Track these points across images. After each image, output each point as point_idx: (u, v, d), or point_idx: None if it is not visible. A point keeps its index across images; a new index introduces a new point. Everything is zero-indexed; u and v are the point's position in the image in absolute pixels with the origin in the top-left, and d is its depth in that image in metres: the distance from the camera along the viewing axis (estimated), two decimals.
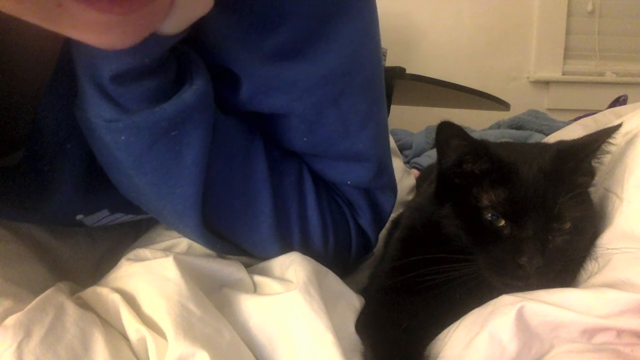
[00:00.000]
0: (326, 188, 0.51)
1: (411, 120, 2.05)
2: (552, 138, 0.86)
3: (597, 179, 0.49)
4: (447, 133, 0.44)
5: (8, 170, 0.40)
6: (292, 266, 0.44)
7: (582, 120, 0.97)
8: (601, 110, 1.06)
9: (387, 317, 0.45)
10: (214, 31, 0.39)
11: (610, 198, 0.44)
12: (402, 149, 1.54)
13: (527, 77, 2.51)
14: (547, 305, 0.36)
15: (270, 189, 0.45)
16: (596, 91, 2.38)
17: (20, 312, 0.35)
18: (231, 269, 0.46)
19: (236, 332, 0.39)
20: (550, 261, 0.40)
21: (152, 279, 0.41)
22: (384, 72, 0.51)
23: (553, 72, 2.49)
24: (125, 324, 0.37)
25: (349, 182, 0.50)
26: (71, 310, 0.37)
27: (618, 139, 0.51)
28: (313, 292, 0.40)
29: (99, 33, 0.27)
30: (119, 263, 0.46)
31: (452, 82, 1.73)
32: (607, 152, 0.45)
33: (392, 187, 0.55)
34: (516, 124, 1.47)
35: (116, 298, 0.39)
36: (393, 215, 0.59)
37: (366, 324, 0.44)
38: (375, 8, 0.47)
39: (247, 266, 0.48)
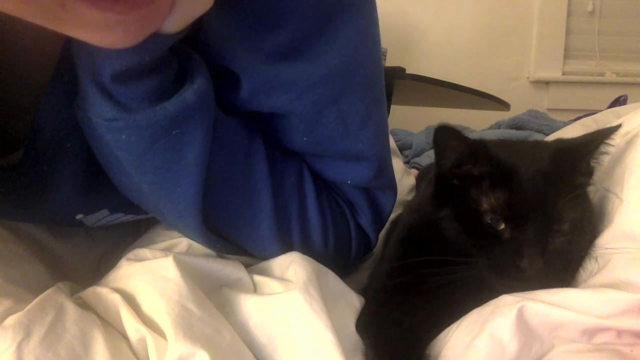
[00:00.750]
0: (326, 188, 0.52)
1: (411, 120, 2.05)
2: (552, 138, 0.86)
3: (596, 179, 0.49)
4: (445, 136, 0.43)
5: (8, 170, 0.40)
6: (292, 266, 0.44)
7: (582, 120, 0.97)
8: (601, 110, 1.06)
9: (388, 317, 0.45)
10: (214, 31, 0.39)
11: (610, 198, 0.44)
12: (402, 149, 1.54)
13: (527, 77, 2.51)
14: (547, 305, 0.36)
15: (270, 189, 0.45)
16: (596, 91, 2.38)
17: (20, 312, 0.35)
18: (231, 268, 0.46)
19: (236, 332, 0.39)
20: (550, 262, 0.40)
21: (152, 278, 0.41)
22: (384, 72, 0.51)
23: (553, 72, 2.49)
24: (125, 324, 0.37)
25: (349, 182, 0.50)
26: (71, 310, 0.37)
27: (617, 139, 0.51)
28: (313, 292, 0.40)
29: (101, 32, 0.27)
30: (119, 263, 0.46)
31: (452, 82, 1.73)
32: (606, 153, 0.44)
33: (392, 187, 0.55)
34: (516, 124, 1.47)
35: (116, 298, 0.39)
36: (393, 215, 0.59)
37: (366, 324, 0.44)
38: (375, 8, 0.47)
39: (247, 266, 0.48)
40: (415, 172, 1.13)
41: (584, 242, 0.43)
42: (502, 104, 1.93)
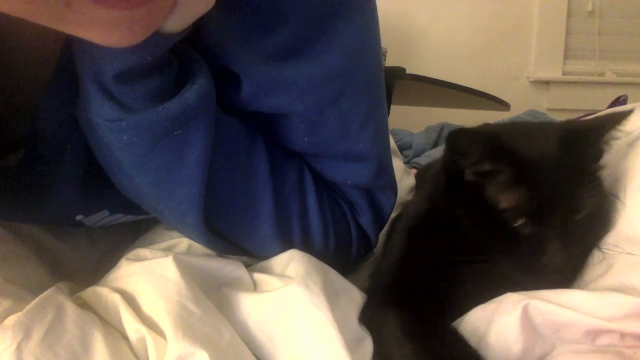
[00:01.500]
0: (327, 188, 0.52)
1: (411, 120, 2.05)
2: None
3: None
4: (462, 142, 0.42)
5: (8, 171, 0.40)
6: (292, 262, 0.44)
7: None
8: (601, 111, 1.06)
9: (395, 309, 0.44)
10: (215, 31, 0.39)
11: (612, 201, 0.44)
12: (402, 149, 1.54)
13: (527, 77, 2.52)
14: (551, 305, 0.36)
15: (271, 189, 0.45)
16: (596, 91, 2.39)
17: (19, 312, 0.35)
18: (231, 267, 0.46)
19: (236, 331, 0.39)
20: (571, 255, 0.39)
21: (151, 278, 0.41)
22: (384, 72, 0.51)
23: (553, 72, 2.49)
24: (124, 324, 0.37)
25: (349, 182, 0.50)
26: (71, 310, 0.37)
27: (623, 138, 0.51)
28: (312, 286, 0.40)
29: (105, 31, 0.27)
30: (119, 263, 0.46)
31: (452, 82, 1.73)
32: (617, 138, 0.43)
33: (393, 187, 0.55)
34: None
35: (116, 298, 0.39)
36: (393, 215, 0.59)
37: (372, 318, 0.43)
38: (375, 8, 0.47)
39: (247, 266, 0.48)
40: (415, 172, 1.13)
41: (600, 230, 0.42)
42: (502, 104, 1.93)
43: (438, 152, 1.39)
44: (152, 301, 0.38)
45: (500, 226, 0.41)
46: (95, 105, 0.34)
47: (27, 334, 0.33)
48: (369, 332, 0.43)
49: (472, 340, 0.38)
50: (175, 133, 0.36)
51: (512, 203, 0.40)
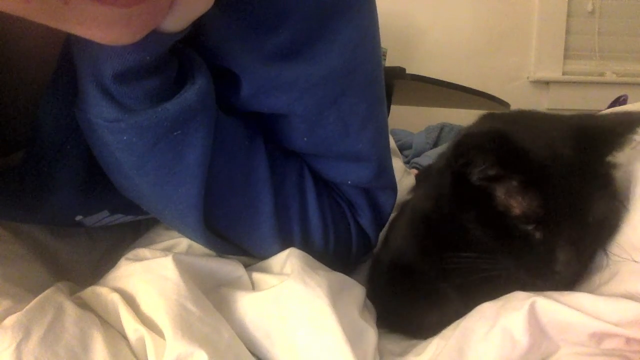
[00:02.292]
0: (326, 188, 0.52)
1: (411, 120, 2.05)
2: None
3: None
4: (469, 149, 0.40)
5: (8, 171, 0.40)
6: (289, 260, 0.44)
7: None
8: (601, 111, 1.06)
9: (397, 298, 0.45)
10: (215, 31, 0.39)
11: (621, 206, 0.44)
12: (402, 149, 1.54)
13: (527, 77, 2.51)
14: (558, 304, 0.36)
15: (271, 189, 0.45)
16: (596, 91, 2.38)
17: (19, 312, 0.35)
18: (230, 267, 0.46)
19: (234, 330, 0.39)
20: (582, 260, 0.39)
21: (151, 278, 0.41)
22: (384, 72, 0.51)
23: (553, 72, 2.48)
24: (124, 324, 0.37)
25: (349, 182, 0.50)
26: (70, 310, 0.37)
27: None
28: (309, 281, 0.40)
29: (104, 28, 0.27)
30: (119, 263, 0.46)
31: (452, 82, 1.73)
32: (635, 140, 0.41)
33: (393, 187, 0.55)
34: None
35: (115, 298, 0.39)
36: (392, 215, 0.59)
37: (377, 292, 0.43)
38: (375, 8, 0.47)
39: (246, 265, 0.48)
40: (415, 172, 1.13)
41: (608, 235, 0.41)
42: (502, 104, 1.93)
43: (438, 152, 1.39)
44: (151, 301, 0.38)
45: (510, 231, 0.39)
46: (94, 106, 0.34)
47: (26, 334, 0.33)
48: (372, 324, 0.43)
49: (479, 334, 0.38)
50: (175, 133, 0.36)
51: (523, 209, 0.39)
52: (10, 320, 0.34)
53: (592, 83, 2.43)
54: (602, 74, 2.46)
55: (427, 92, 1.89)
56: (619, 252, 0.41)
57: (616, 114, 0.43)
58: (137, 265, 0.44)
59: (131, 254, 0.47)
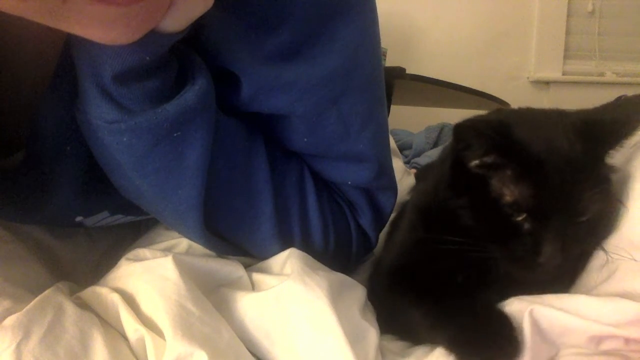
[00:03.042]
0: (327, 188, 0.51)
1: (411, 120, 2.05)
2: None
3: None
4: (469, 134, 0.41)
5: (8, 172, 0.40)
6: (289, 260, 0.44)
7: None
8: None
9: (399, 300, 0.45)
10: (215, 32, 0.39)
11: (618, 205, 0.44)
12: (402, 149, 1.54)
13: (527, 77, 2.51)
14: (555, 311, 0.36)
15: (271, 189, 0.45)
16: (596, 91, 2.38)
17: (19, 312, 0.35)
18: (230, 268, 0.46)
19: (234, 331, 0.39)
20: (568, 256, 0.39)
21: (151, 278, 0.41)
22: (384, 72, 0.51)
23: (553, 72, 2.49)
24: (124, 324, 0.37)
25: (349, 182, 0.50)
26: (70, 310, 0.37)
27: None
28: (309, 281, 0.40)
29: (103, 27, 0.27)
30: (119, 263, 0.46)
31: (452, 82, 1.73)
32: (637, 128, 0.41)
33: (393, 187, 0.55)
34: None
35: (115, 298, 0.39)
36: (393, 216, 0.59)
37: (378, 293, 0.44)
38: (375, 8, 0.47)
39: (246, 266, 0.48)
40: (415, 172, 1.13)
41: (603, 232, 0.42)
42: (502, 104, 1.93)
43: (438, 152, 1.39)
44: (151, 301, 0.38)
45: (501, 219, 0.40)
46: (94, 107, 0.34)
47: (26, 334, 0.33)
48: (373, 324, 0.43)
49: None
50: (175, 134, 0.36)
51: (515, 197, 0.39)
52: (10, 320, 0.34)
53: (592, 83, 2.43)
54: (602, 74, 2.46)
55: (427, 92, 1.89)
56: (617, 251, 0.41)
57: (616, 108, 0.42)
58: (137, 266, 0.44)
59: (131, 254, 0.47)
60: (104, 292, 0.40)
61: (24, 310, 0.36)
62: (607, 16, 2.45)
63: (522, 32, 2.48)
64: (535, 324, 0.36)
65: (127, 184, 0.40)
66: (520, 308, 0.37)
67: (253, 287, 0.45)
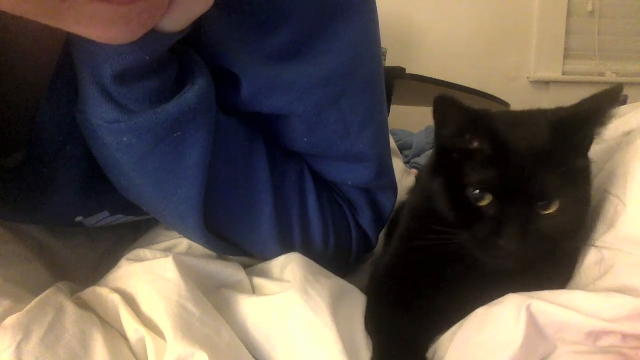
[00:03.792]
0: (327, 188, 0.51)
1: (411, 120, 2.05)
2: None
3: (598, 180, 0.49)
4: (445, 105, 0.43)
5: (8, 172, 0.40)
6: (290, 265, 0.44)
7: None
8: None
9: (389, 312, 0.45)
10: (215, 32, 0.39)
11: (612, 201, 0.44)
12: (402, 149, 1.54)
13: (527, 77, 2.52)
14: (553, 306, 0.36)
15: (271, 189, 0.45)
16: (596, 91, 2.37)
17: (19, 312, 0.35)
18: (230, 270, 0.46)
19: (235, 332, 0.39)
20: (531, 244, 0.40)
21: (151, 279, 0.41)
22: (384, 72, 0.51)
23: (553, 72, 2.49)
24: (124, 325, 0.37)
25: (349, 182, 0.50)
26: (71, 310, 0.37)
27: (618, 138, 0.50)
28: (310, 291, 0.40)
29: (102, 26, 0.27)
30: (119, 263, 0.46)
31: (452, 82, 1.73)
32: (613, 116, 0.42)
33: (393, 187, 0.55)
34: None
35: (116, 298, 0.39)
36: (392, 216, 0.59)
37: (371, 320, 0.44)
38: (376, 8, 0.47)
39: (247, 267, 0.48)
40: (415, 172, 1.13)
41: (571, 226, 0.42)
42: (502, 104, 1.93)
43: None
44: (152, 302, 0.38)
45: (469, 202, 0.42)
46: (94, 107, 0.34)
47: (26, 334, 0.33)
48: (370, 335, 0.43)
49: (476, 342, 0.38)
50: (175, 135, 0.36)
51: (480, 178, 0.41)
52: (10, 320, 0.34)
53: (592, 83, 2.43)
54: (602, 74, 2.46)
55: (427, 92, 1.89)
56: (615, 246, 0.41)
57: (591, 100, 0.43)
58: (138, 266, 0.44)
59: (132, 254, 0.47)
60: (104, 293, 0.40)
61: (25, 310, 0.36)
62: (607, 16, 2.45)
63: (522, 32, 2.48)
64: (532, 319, 0.36)
65: (127, 183, 0.40)
66: (518, 303, 0.37)
67: (253, 290, 0.45)
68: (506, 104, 1.95)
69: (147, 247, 0.49)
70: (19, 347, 0.33)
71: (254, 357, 0.39)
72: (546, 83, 2.51)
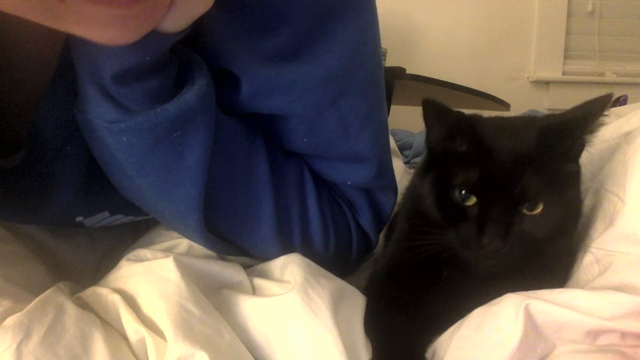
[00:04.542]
0: (327, 188, 0.51)
1: (411, 120, 2.04)
2: None
3: (598, 180, 0.49)
4: (432, 110, 0.45)
5: (8, 172, 0.40)
6: (290, 266, 0.44)
7: None
8: None
9: (388, 313, 0.45)
10: (214, 32, 0.39)
11: (611, 199, 0.44)
12: (402, 149, 1.54)
13: (527, 77, 2.51)
14: (551, 305, 0.36)
15: (271, 189, 0.45)
16: (596, 91, 2.34)
17: (19, 312, 0.35)
18: (231, 271, 0.46)
19: (235, 333, 0.39)
20: (514, 245, 0.41)
21: (152, 279, 0.41)
22: (384, 72, 0.51)
23: (553, 72, 2.49)
24: (124, 325, 0.37)
25: (349, 183, 0.50)
26: (71, 310, 0.37)
27: (617, 138, 0.51)
28: (311, 293, 0.40)
29: (101, 28, 0.27)
30: (119, 263, 0.46)
31: (452, 82, 1.73)
32: (602, 124, 0.43)
33: (393, 187, 0.55)
34: None
35: (116, 298, 0.39)
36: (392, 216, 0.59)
37: (370, 321, 0.44)
38: (375, 8, 0.47)
39: (247, 267, 0.48)
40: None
41: (555, 227, 0.43)
42: (502, 104, 1.93)
43: None
44: (152, 302, 0.38)
45: (454, 202, 0.43)
46: (94, 107, 0.34)
47: (27, 334, 0.33)
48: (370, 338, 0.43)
49: (474, 341, 0.38)
50: (175, 134, 0.36)
51: (463, 179, 0.42)
52: (10, 320, 0.34)
53: (592, 83, 2.43)
54: (602, 74, 2.46)
55: (427, 92, 1.89)
56: (613, 245, 0.41)
57: (582, 107, 0.43)
58: (138, 266, 0.44)
59: (132, 254, 0.47)
60: (104, 293, 0.40)
61: (25, 310, 0.36)
62: (607, 16, 2.45)
63: (522, 32, 2.48)
64: (530, 319, 0.36)
65: (128, 183, 0.40)
66: (516, 303, 0.37)
67: (254, 291, 0.45)
68: (506, 104, 1.95)
69: (147, 247, 0.49)
70: (19, 347, 0.33)
71: (254, 357, 0.39)
72: (546, 83, 2.51)
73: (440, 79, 1.72)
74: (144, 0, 0.27)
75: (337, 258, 0.52)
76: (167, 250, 0.48)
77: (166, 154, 0.36)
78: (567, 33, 2.47)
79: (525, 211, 0.41)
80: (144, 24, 0.30)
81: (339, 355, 0.36)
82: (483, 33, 2.48)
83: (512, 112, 1.96)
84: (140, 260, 0.46)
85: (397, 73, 1.63)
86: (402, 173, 0.86)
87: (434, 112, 0.45)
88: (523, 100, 2.26)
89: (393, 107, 1.79)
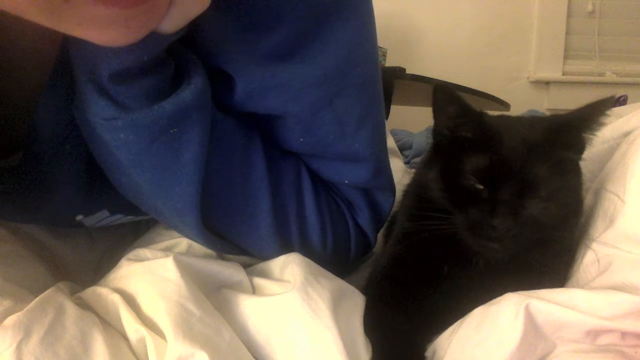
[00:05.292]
0: (324, 187, 0.51)
1: (411, 120, 2.05)
2: None
3: (598, 180, 0.49)
4: (444, 96, 0.45)
5: (8, 171, 0.40)
6: (290, 266, 0.44)
7: None
8: None
9: (387, 313, 0.45)
10: (210, 32, 0.39)
11: (611, 199, 0.44)
12: (402, 149, 1.53)
13: (527, 77, 2.51)
14: (552, 304, 0.36)
15: (268, 188, 0.45)
16: (596, 91, 2.37)
17: (19, 312, 0.35)
18: (231, 270, 0.46)
19: (235, 333, 0.39)
20: (524, 227, 0.41)
21: (152, 279, 0.41)
22: (382, 72, 0.51)
23: (553, 72, 2.48)
24: (124, 324, 0.37)
25: (346, 182, 0.50)
26: (71, 310, 0.37)
27: (617, 137, 0.51)
28: (311, 292, 0.40)
29: (102, 29, 0.27)
30: (119, 263, 0.46)
31: (452, 82, 1.73)
32: (603, 124, 0.44)
33: (391, 187, 0.55)
34: None
35: (116, 298, 0.39)
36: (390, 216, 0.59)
37: (370, 321, 0.44)
38: (372, 8, 0.47)
39: (246, 266, 0.48)
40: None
41: (561, 213, 0.43)
42: (502, 104, 1.93)
43: None
44: (152, 302, 0.38)
45: (463, 187, 0.43)
46: (91, 105, 0.34)
47: (27, 334, 0.34)
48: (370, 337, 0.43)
49: (474, 341, 0.38)
50: (171, 132, 0.36)
51: (474, 166, 0.43)
52: (10, 320, 0.34)
53: (592, 83, 2.43)
54: (602, 74, 2.46)
55: (427, 92, 1.88)
56: (613, 243, 0.41)
57: (585, 107, 0.45)
58: (138, 266, 0.44)
59: (132, 254, 0.47)
60: (104, 292, 0.41)
61: (25, 310, 0.36)
62: (607, 16, 2.45)
63: (522, 32, 2.48)
64: (530, 319, 0.36)
65: (126, 181, 0.40)
66: (516, 302, 0.37)
67: (254, 290, 0.45)
68: (506, 104, 1.95)
69: (147, 246, 0.49)
70: (19, 347, 0.33)
71: (254, 357, 0.39)
72: (546, 83, 2.51)
73: (441, 79, 1.72)
74: (144, 2, 0.27)
75: (335, 257, 0.52)
76: (167, 250, 0.48)
77: (163, 150, 0.36)
78: (567, 33, 2.46)
79: (534, 197, 0.41)
80: (144, 26, 0.30)
81: (339, 354, 0.36)
82: (483, 33, 2.47)
83: (512, 112, 1.96)
84: (140, 259, 0.46)
85: (397, 73, 1.63)
86: (402, 173, 0.87)
87: (445, 97, 0.45)
88: (523, 100, 2.25)
89: (393, 107, 1.79)
